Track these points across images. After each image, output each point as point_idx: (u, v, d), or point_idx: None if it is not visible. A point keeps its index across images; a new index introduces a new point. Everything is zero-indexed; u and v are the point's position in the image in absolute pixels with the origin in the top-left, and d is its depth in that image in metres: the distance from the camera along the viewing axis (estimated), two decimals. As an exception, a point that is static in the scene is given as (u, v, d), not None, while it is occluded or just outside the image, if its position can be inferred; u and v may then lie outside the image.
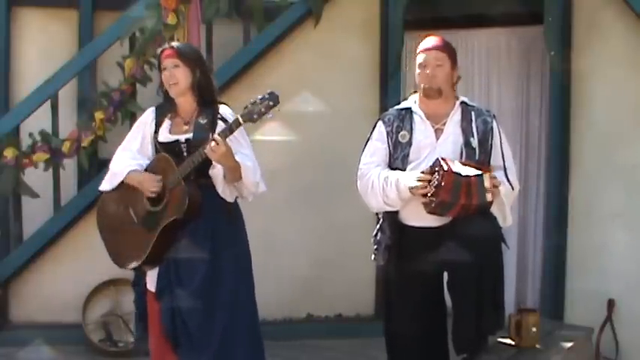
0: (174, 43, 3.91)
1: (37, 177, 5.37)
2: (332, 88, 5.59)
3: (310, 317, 5.72)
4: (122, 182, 3.83)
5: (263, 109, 3.51)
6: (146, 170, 3.80)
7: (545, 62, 5.55)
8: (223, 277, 3.73)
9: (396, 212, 3.73)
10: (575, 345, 4.06)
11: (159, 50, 3.87)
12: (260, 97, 3.54)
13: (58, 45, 5.79)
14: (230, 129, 3.57)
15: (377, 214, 3.87)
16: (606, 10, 4.96)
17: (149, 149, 3.86)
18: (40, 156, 5.31)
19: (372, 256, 3.86)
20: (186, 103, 3.80)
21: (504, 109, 5.82)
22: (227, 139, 3.57)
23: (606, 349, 4.83)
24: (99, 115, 5.35)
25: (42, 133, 5.33)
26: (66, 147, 5.34)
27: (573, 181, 5.15)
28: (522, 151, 5.81)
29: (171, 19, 5.32)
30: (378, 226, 3.83)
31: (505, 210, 3.71)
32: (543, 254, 5.45)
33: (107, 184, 3.91)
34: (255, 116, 3.52)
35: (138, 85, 5.46)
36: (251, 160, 3.73)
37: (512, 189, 3.73)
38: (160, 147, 3.81)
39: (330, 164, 5.41)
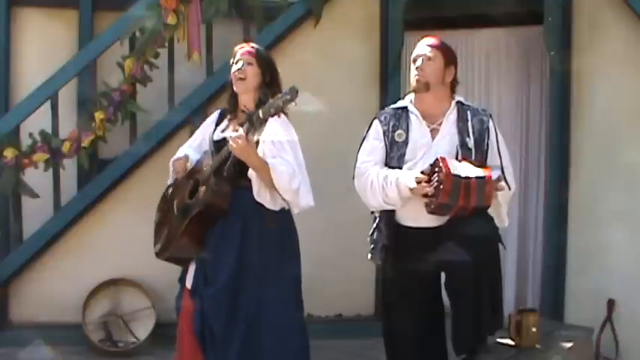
0: (255, 45, 3.96)
1: (37, 177, 5.37)
2: (332, 88, 5.58)
3: (310, 317, 5.70)
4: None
5: (281, 104, 3.55)
6: (195, 165, 3.90)
7: (545, 62, 5.55)
8: (248, 280, 3.73)
9: (393, 212, 3.73)
10: (575, 345, 4.06)
11: (239, 45, 3.94)
12: (282, 91, 3.60)
13: (58, 45, 5.78)
14: (251, 123, 3.61)
15: (372, 212, 3.87)
16: (606, 11, 4.96)
17: (208, 148, 3.95)
18: (40, 156, 5.30)
19: (369, 256, 3.86)
20: (248, 103, 3.83)
21: (504, 109, 5.83)
22: (271, 144, 3.65)
23: (606, 349, 4.82)
24: (99, 115, 5.35)
25: (42, 133, 5.32)
26: (66, 147, 5.34)
27: (573, 181, 5.15)
28: (522, 151, 5.82)
29: (171, 19, 5.32)
30: (374, 225, 3.83)
31: (502, 211, 3.72)
32: (543, 254, 5.45)
33: (170, 177, 4.03)
34: (272, 110, 3.56)
35: (138, 85, 5.46)
36: (289, 166, 3.69)
37: (510, 189, 3.74)
38: (214, 145, 3.89)
39: (330, 163, 5.39)
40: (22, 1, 5.82)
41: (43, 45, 5.82)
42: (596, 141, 5.04)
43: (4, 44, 5.75)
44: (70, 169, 5.51)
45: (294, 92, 3.55)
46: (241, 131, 3.61)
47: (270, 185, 3.68)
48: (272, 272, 3.79)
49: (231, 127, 3.84)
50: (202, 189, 3.75)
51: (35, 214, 5.40)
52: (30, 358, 5.03)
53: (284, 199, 3.73)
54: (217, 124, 3.95)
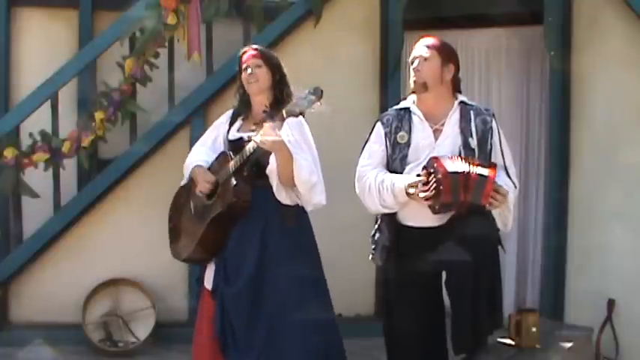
0: (257, 46, 4.02)
1: (37, 177, 5.38)
2: (332, 88, 5.50)
3: (310, 317, 5.71)
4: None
5: (306, 104, 3.57)
6: (210, 165, 3.90)
7: (545, 62, 5.55)
8: (269, 279, 3.74)
9: (395, 212, 3.73)
10: (575, 345, 4.06)
11: (241, 51, 3.97)
12: (306, 91, 3.60)
13: (58, 45, 5.79)
14: (274, 121, 3.62)
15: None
16: (606, 10, 4.96)
17: (222, 147, 3.97)
18: (40, 156, 5.31)
19: (370, 256, 3.86)
20: (261, 103, 3.86)
21: (504, 109, 5.82)
22: (287, 142, 3.64)
23: (606, 349, 4.82)
24: (99, 115, 5.35)
25: (42, 133, 5.33)
26: (66, 147, 5.34)
27: (573, 181, 5.15)
28: (522, 151, 5.81)
29: (171, 19, 5.32)
30: (376, 226, 3.84)
31: (508, 217, 3.70)
32: (543, 254, 5.45)
33: (185, 178, 4.04)
34: (297, 110, 3.58)
35: (138, 85, 5.46)
36: (308, 162, 3.73)
37: (515, 187, 3.74)
38: (229, 145, 3.91)
39: (330, 164, 5.37)
40: (22, 1, 5.83)
41: (43, 45, 5.83)
42: (596, 141, 5.04)
43: (4, 44, 5.77)
44: (70, 169, 5.52)
45: (319, 92, 3.58)
46: (267, 127, 3.61)
47: (289, 181, 3.72)
48: (295, 266, 3.79)
49: (247, 127, 3.87)
50: (223, 190, 3.77)
51: (35, 214, 5.41)
52: (30, 358, 5.03)
53: (298, 195, 3.77)
54: (230, 124, 3.99)
